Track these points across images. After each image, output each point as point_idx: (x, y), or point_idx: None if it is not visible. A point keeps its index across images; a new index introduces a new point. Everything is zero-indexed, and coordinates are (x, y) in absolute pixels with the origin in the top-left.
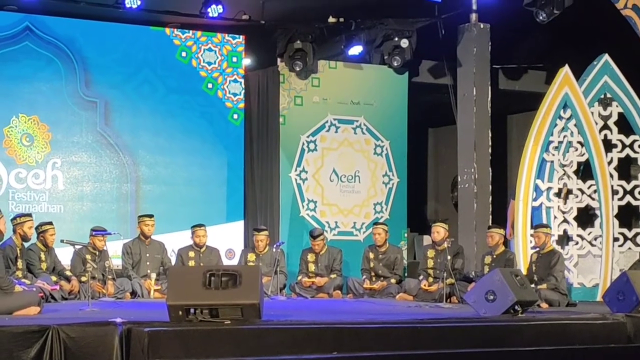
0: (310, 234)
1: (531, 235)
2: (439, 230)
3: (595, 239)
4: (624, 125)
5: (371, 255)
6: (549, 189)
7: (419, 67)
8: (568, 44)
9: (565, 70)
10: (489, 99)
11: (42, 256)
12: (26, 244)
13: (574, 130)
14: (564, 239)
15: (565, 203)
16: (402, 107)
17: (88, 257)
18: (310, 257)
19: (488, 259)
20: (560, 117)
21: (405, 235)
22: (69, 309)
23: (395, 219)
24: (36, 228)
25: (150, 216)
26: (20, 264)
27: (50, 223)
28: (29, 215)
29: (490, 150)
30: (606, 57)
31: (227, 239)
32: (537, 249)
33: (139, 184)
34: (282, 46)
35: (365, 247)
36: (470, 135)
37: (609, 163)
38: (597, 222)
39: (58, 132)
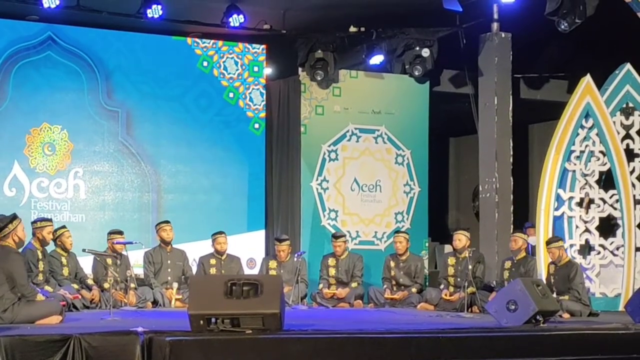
0: (332, 235)
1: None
2: (461, 238)
3: (617, 248)
4: None
5: (392, 264)
6: (570, 198)
7: (440, 77)
8: (590, 54)
9: (587, 80)
10: (511, 108)
11: (64, 261)
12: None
13: (596, 140)
14: (586, 248)
15: (587, 212)
16: (423, 117)
17: (109, 261)
18: (331, 261)
19: (508, 264)
20: (582, 127)
21: (427, 244)
22: (91, 318)
23: (417, 228)
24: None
25: (167, 222)
26: (41, 266)
27: (64, 227)
28: (50, 220)
29: (511, 160)
30: (628, 66)
31: (248, 248)
32: (554, 262)
33: (161, 193)
34: (303, 55)
35: (386, 255)
36: (491, 145)
37: (631, 172)
38: (619, 232)
39: (80, 142)
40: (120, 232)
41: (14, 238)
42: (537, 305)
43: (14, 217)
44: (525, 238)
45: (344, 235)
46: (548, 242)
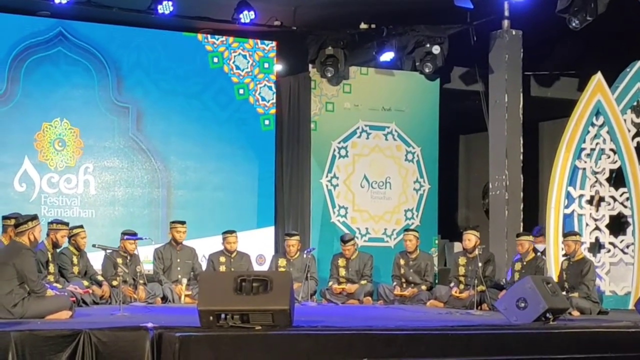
0: (341, 239)
1: (562, 242)
2: (470, 238)
3: (628, 246)
4: None
5: (402, 262)
6: (580, 196)
7: (451, 74)
8: (601, 51)
9: (598, 77)
10: (521, 105)
11: (75, 260)
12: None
13: (607, 138)
14: (596, 246)
15: (597, 210)
16: (434, 114)
17: (119, 260)
18: (341, 262)
19: (518, 266)
20: (593, 124)
21: (436, 242)
22: (101, 314)
23: (426, 225)
24: None
25: (182, 223)
26: (51, 268)
27: (81, 226)
28: (66, 224)
29: (521, 158)
30: (639, 64)
31: (258, 245)
32: (568, 257)
33: (170, 189)
34: (313, 52)
35: (396, 253)
36: (501, 142)
37: None
38: (629, 230)
39: (90, 137)
40: (134, 234)
41: (29, 237)
42: (547, 303)
43: (35, 217)
44: (531, 240)
45: (353, 239)
46: (565, 234)
